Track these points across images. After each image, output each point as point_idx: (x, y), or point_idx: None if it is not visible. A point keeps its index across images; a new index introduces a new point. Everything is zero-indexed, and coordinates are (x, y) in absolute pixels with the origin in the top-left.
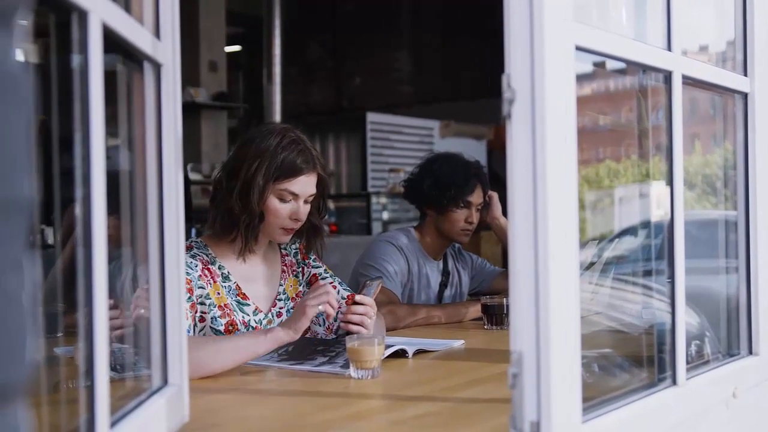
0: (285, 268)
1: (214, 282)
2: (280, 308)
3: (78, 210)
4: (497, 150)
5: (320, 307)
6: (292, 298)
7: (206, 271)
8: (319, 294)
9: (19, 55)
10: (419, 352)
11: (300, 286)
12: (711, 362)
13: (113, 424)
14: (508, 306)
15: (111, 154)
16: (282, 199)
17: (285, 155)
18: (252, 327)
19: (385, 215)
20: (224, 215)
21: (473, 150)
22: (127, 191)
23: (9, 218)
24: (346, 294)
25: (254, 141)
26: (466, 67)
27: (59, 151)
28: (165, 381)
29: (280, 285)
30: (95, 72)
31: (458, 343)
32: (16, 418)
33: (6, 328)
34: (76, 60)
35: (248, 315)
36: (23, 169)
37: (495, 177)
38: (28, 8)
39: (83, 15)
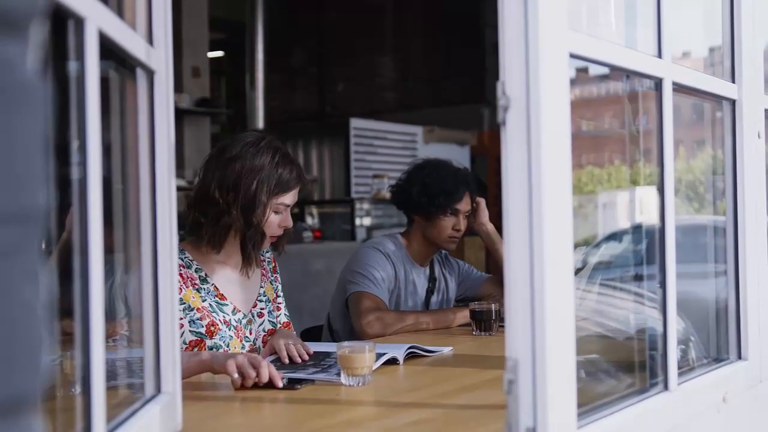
0: (264, 272)
1: (191, 285)
2: (261, 309)
3: (73, 217)
4: (480, 156)
5: (235, 375)
6: (272, 300)
7: (179, 276)
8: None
9: (33, 64)
10: (411, 357)
11: (274, 292)
12: (699, 367)
13: None
14: (496, 312)
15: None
16: (276, 212)
17: (282, 172)
18: (233, 326)
19: (369, 221)
20: (222, 230)
21: (456, 156)
22: (119, 198)
23: (26, 228)
24: (284, 320)
25: (243, 157)
26: (449, 73)
27: (53, 157)
28: (158, 389)
29: (261, 287)
30: (91, 78)
31: (447, 350)
32: (31, 428)
33: (23, 338)
34: (71, 66)
35: (228, 314)
36: (39, 178)
37: (478, 182)
38: (43, 19)
39: (80, 22)
